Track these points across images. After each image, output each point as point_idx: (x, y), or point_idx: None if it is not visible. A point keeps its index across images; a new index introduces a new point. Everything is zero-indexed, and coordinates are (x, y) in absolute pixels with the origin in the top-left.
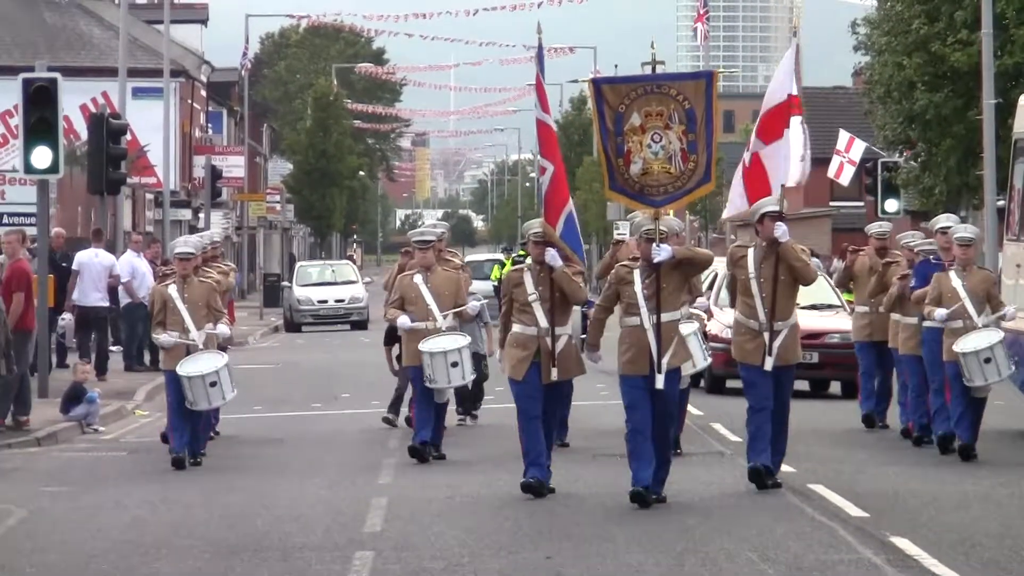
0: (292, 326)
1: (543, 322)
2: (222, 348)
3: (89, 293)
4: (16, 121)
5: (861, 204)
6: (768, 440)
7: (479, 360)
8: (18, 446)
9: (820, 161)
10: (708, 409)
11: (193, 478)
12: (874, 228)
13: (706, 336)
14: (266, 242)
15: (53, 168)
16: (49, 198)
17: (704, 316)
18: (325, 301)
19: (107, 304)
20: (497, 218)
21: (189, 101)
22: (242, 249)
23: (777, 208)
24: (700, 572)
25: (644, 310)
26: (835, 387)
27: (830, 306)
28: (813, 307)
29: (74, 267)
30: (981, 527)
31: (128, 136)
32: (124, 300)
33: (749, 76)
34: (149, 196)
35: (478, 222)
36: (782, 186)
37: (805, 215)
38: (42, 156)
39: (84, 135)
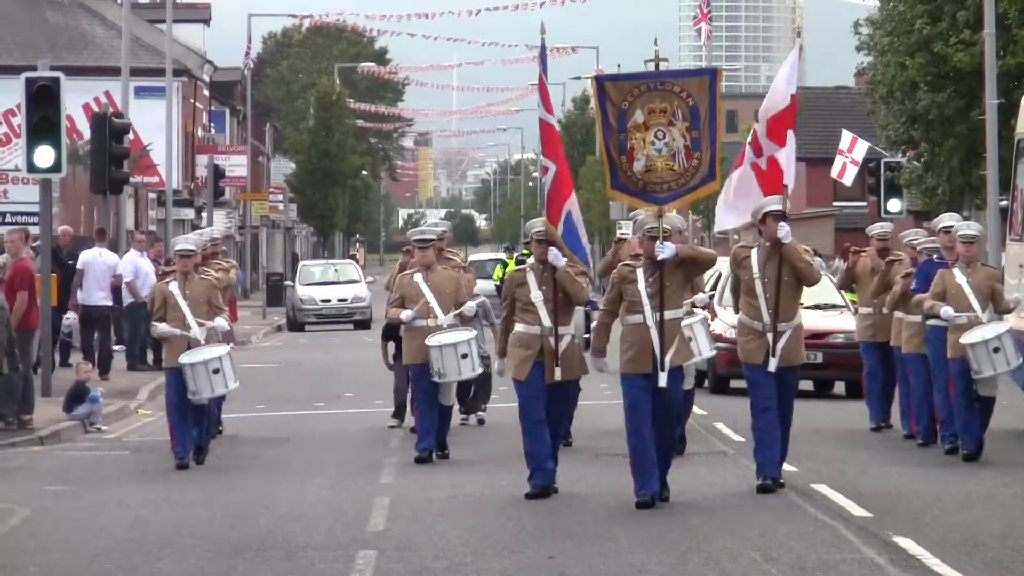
0: (295, 325)
1: (546, 321)
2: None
3: (93, 292)
4: (19, 120)
5: (864, 204)
6: (777, 446)
7: (484, 360)
8: (21, 445)
9: (823, 161)
10: (711, 409)
11: (196, 477)
12: (875, 229)
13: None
14: (269, 241)
15: (56, 167)
16: (52, 197)
17: (701, 312)
18: (328, 300)
19: (111, 303)
20: (500, 218)
21: (192, 100)
22: (245, 248)
23: (780, 208)
24: (703, 572)
25: (647, 308)
26: (839, 387)
27: (834, 306)
28: (817, 307)
29: (78, 266)
30: (984, 527)
31: (131, 135)
32: (127, 299)
33: (751, 76)
34: (152, 195)
35: (481, 222)
36: (785, 186)
37: (808, 215)
38: (45, 155)
39: (87, 134)
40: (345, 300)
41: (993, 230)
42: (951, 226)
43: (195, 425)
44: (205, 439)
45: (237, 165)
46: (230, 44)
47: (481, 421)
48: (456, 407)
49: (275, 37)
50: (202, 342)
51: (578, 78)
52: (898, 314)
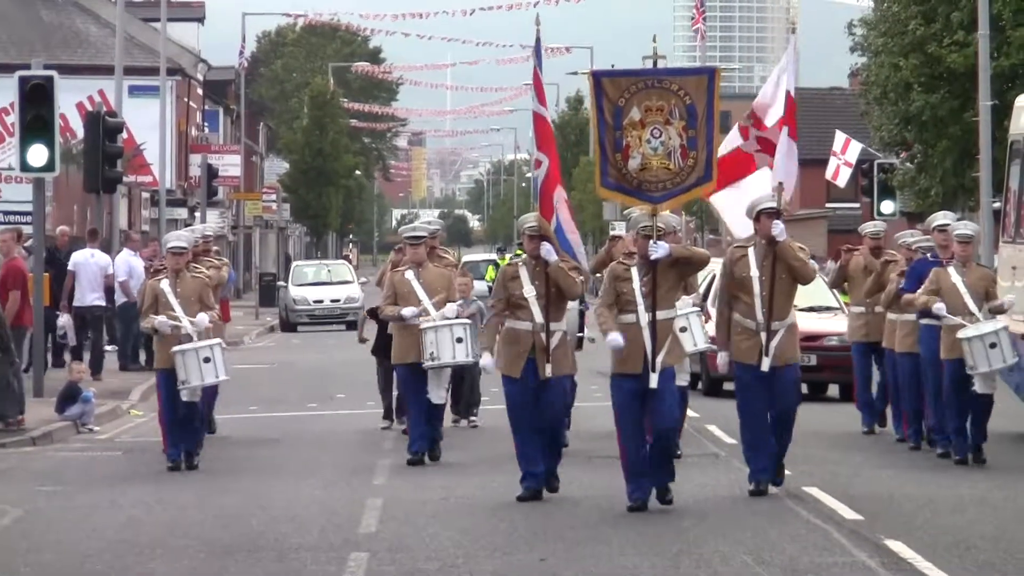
0: (288, 326)
1: (538, 317)
2: None
3: (86, 294)
4: (12, 119)
5: (857, 206)
6: (767, 453)
7: (476, 367)
8: (13, 445)
9: (816, 162)
10: (704, 411)
11: (188, 478)
12: (868, 228)
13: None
14: (262, 241)
15: (49, 166)
16: (45, 196)
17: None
18: (321, 301)
19: (103, 304)
20: (493, 218)
21: (185, 99)
22: (238, 248)
23: (774, 205)
24: (695, 574)
25: (640, 307)
26: (833, 390)
27: (828, 308)
28: (811, 309)
29: (70, 268)
30: (976, 530)
31: (124, 134)
32: (120, 299)
33: (745, 76)
34: (145, 195)
35: (474, 222)
36: (780, 183)
37: (801, 216)
38: (38, 154)
39: (80, 133)
40: (338, 301)
41: (986, 232)
42: (946, 224)
43: (183, 432)
44: (195, 447)
45: (231, 165)
46: (224, 43)
47: (473, 425)
48: (448, 408)
49: (269, 36)
50: (194, 338)
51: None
52: (892, 315)
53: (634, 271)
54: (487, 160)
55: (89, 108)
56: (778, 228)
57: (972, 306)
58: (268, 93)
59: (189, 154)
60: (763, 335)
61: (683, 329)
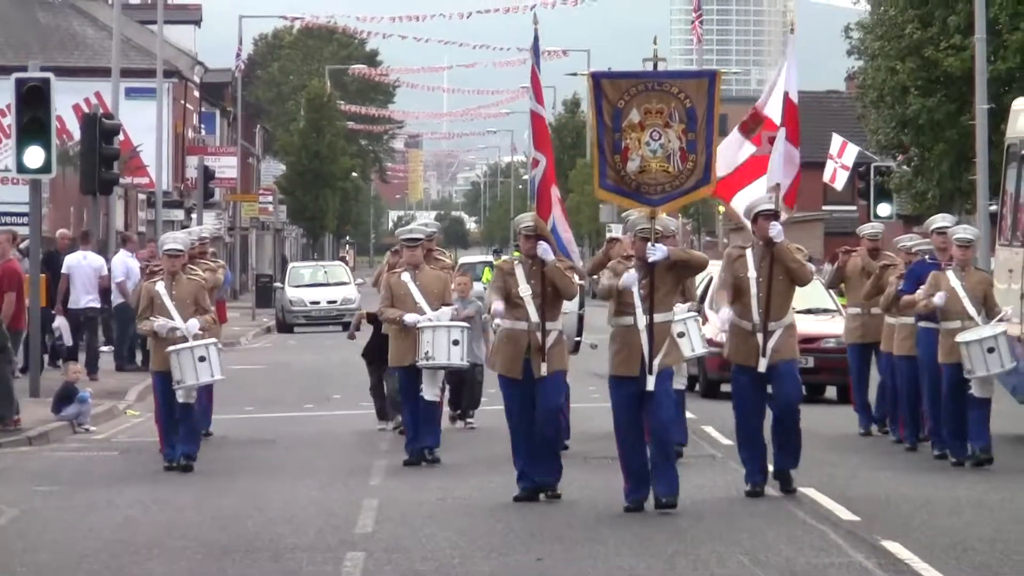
0: (284, 327)
1: (534, 317)
2: None
3: (80, 296)
4: (9, 121)
5: (854, 208)
6: (762, 455)
7: (475, 367)
8: (9, 445)
9: (813, 165)
10: (701, 413)
11: (185, 479)
12: (866, 229)
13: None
14: (258, 243)
15: (46, 168)
16: (41, 198)
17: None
18: (317, 302)
19: (98, 305)
20: (490, 220)
21: (182, 102)
22: (234, 250)
23: (771, 207)
24: (691, 575)
25: (639, 310)
26: (830, 391)
27: (825, 310)
28: (809, 311)
29: (63, 271)
30: (973, 532)
31: (121, 136)
32: (117, 300)
33: (742, 79)
34: (142, 196)
35: (471, 224)
36: (777, 185)
37: (797, 219)
38: (35, 156)
39: (77, 135)
40: (335, 302)
41: (982, 235)
42: (945, 227)
43: (181, 435)
44: (191, 449)
45: (227, 166)
46: (221, 45)
47: (471, 427)
48: (447, 409)
49: (266, 39)
50: (190, 339)
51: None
52: (890, 319)
53: (633, 272)
54: (484, 162)
55: (86, 110)
56: (775, 229)
57: (971, 310)
58: (265, 95)
59: (186, 156)
60: (760, 336)
61: (680, 335)
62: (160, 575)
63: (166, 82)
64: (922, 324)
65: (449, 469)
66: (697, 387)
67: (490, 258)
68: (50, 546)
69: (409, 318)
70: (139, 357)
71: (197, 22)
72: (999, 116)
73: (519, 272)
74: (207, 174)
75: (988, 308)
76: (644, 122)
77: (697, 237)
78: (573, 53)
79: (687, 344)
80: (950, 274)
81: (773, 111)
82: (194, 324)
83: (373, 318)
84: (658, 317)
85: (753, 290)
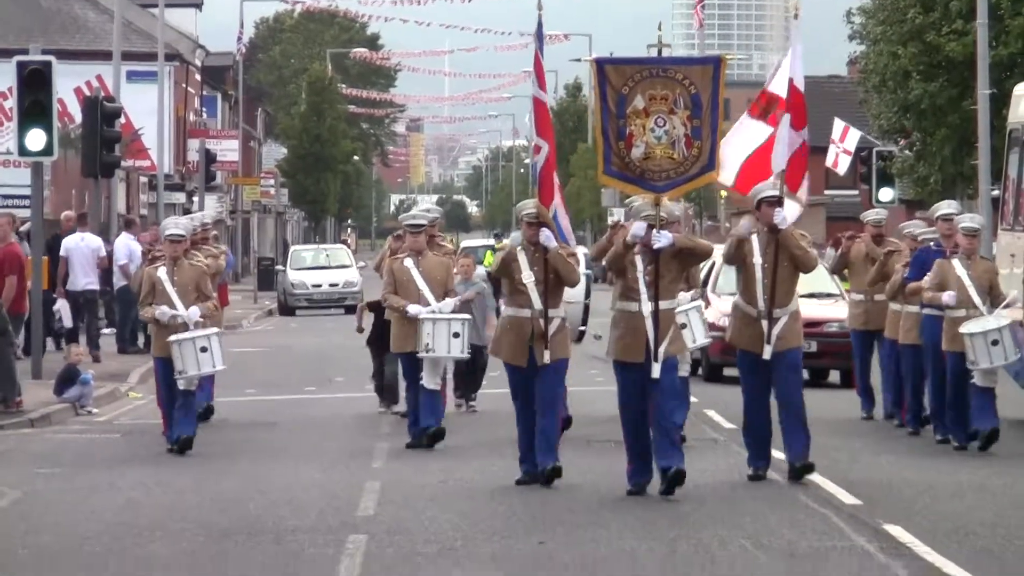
0: (286, 310)
1: (537, 304)
2: None
3: (79, 278)
4: (10, 104)
5: (856, 193)
6: (767, 441)
7: (479, 350)
8: (11, 427)
9: (815, 150)
10: (703, 397)
11: (187, 461)
12: (870, 216)
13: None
14: (260, 226)
15: (47, 151)
16: (43, 180)
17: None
18: (319, 285)
19: (97, 287)
20: (491, 204)
21: (183, 85)
22: (236, 233)
23: (775, 193)
24: (693, 558)
25: (644, 296)
26: (834, 376)
27: (829, 295)
28: (812, 295)
29: (61, 253)
30: (975, 516)
31: (122, 119)
32: (119, 282)
33: (744, 64)
34: (143, 179)
35: (472, 208)
36: (783, 171)
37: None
38: (36, 138)
39: (78, 118)
40: (336, 285)
41: (985, 220)
42: (950, 214)
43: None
44: (188, 432)
45: (228, 150)
46: (222, 29)
47: (472, 410)
48: (452, 392)
49: (267, 22)
50: (191, 327)
51: (578, 60)
52: (895, 306)
53: (638, 259)
54: (485, 146)
55: (87, 93)
56: (779, 216)
57: (977, 299)
58: (266, 79)
59: (187, 139)
60: (765, 323)
61: (683, 325)
62: (162, 557)
63: (167, 65)
64: (926, 311)
65: (451, 452)
66: (700, 371)
67: (491, 242)
68: (52, 528)
69: (412, 309)
70: (141, 340)
71: (198, 5)
72: (1001, 101)
73: (522, 259)
74: (208, 157)
75: (994, 298)
76: (649, 108)
77: (699, 221)
78: (575, 37)
79: (689, 335)
80: (956, 262)
81: (781, 90)
82: (195, 311)
83: (375, 306)
84: (663, 304)
85: (758, 276)
